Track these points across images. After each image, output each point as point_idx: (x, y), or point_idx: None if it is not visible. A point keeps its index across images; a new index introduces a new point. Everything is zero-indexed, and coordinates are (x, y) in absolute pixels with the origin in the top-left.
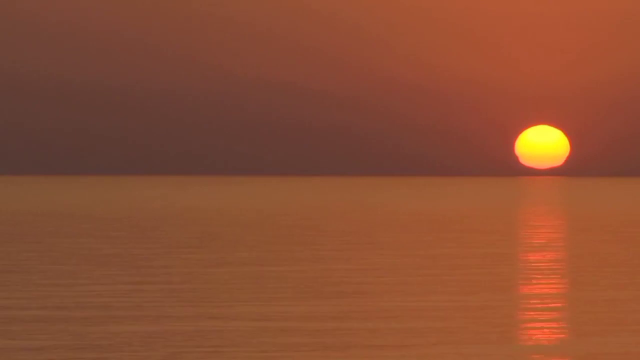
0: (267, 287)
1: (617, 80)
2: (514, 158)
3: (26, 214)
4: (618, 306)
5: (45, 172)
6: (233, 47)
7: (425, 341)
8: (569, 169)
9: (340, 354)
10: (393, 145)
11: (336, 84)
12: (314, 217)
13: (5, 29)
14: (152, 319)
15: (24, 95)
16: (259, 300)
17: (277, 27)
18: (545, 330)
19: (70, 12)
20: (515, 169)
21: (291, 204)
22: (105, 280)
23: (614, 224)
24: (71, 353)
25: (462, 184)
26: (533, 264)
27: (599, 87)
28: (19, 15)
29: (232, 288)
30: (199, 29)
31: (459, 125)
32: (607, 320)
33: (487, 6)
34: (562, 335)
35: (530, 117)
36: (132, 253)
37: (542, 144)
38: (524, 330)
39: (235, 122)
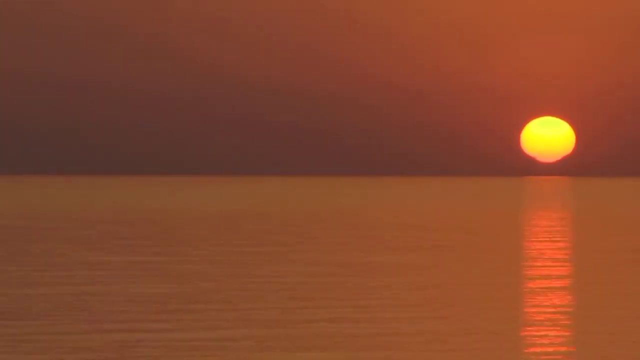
0: None
1: (617, 70)
2: (520, 153)
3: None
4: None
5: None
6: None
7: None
8: (575, 161)
9: None
10: (396, 145)
11: (338, 84)
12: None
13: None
14: None
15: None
16: None
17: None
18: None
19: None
20: (521, 164)
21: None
22: None
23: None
24: None
25: (464, 185)
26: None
27: (599, 77)
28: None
29: None
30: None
31: (461, 121)
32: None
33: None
34: None
35: (532, 109)
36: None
37: (548, 136)
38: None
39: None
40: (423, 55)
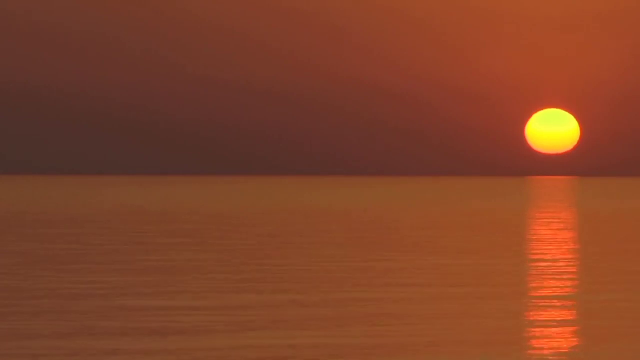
0: None
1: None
2: (525, 149)
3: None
4: None
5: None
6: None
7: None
8: (581, 159)
9: None
10: (399, 145)
11: (344, 81)
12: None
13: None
14: None
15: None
16: None
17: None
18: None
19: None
20: (527, 161)
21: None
22: None
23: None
24: None
25: (477, 186)
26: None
27: (603, 68)
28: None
29: None
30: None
31: (463, 119)
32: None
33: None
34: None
35: (533, 103)
36: None
37: (552, 131)
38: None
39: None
40: (423, 56)
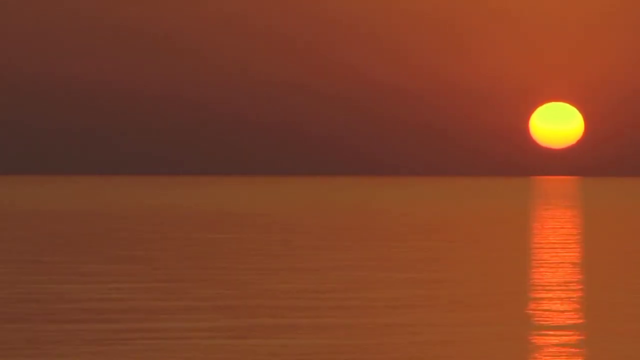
0: None
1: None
2: (528, 145)
3: None
4: None
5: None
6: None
7: None
8: (585, 157)
9: None
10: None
11: (347, 83)
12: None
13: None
14: None
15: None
16: None
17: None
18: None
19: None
20: (531, 159)
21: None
22: None
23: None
24: None
25: (480, 186)
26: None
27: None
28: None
29: None
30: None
31: (465, 118)
32: None
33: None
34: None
35: (533, 100)
36: None
37: (556, 124)
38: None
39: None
40: (424, 57)
